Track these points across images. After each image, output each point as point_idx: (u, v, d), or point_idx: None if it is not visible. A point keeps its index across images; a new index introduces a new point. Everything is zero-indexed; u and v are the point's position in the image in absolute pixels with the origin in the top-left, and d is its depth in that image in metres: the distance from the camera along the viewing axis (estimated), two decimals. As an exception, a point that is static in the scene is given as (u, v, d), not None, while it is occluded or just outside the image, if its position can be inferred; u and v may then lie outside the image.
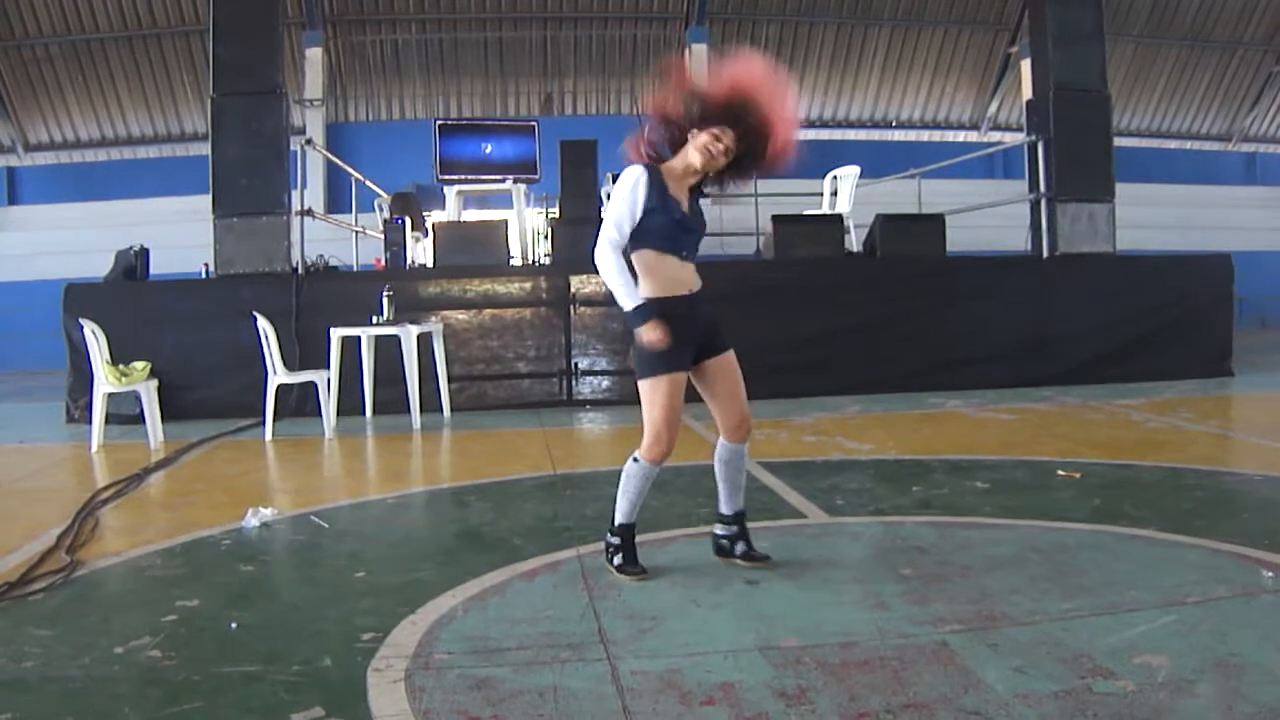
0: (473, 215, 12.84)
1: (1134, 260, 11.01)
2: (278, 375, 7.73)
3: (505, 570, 3.92)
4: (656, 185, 3.61)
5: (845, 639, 3.06)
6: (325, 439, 7.72)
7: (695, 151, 3.60)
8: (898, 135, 22.36)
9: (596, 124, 17.59)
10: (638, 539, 3.85)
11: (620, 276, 3.60)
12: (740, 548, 3.87)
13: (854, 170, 11.62)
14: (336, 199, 18.05)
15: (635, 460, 3.73)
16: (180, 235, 14.70)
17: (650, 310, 3.56)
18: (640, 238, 3.63)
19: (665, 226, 3.62)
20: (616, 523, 3.83)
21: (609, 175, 12.55)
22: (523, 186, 11.90)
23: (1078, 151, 10.51)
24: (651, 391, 3.63)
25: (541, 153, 11.66)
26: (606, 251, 3.62)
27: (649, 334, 3.54)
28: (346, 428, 8.14)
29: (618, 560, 3.79)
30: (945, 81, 22.16)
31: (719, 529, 3.93)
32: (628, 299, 3.60)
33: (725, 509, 3.89)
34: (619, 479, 3.82)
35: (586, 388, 9.41)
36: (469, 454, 7.28)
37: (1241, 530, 4.16)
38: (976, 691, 2.64)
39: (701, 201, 3.82)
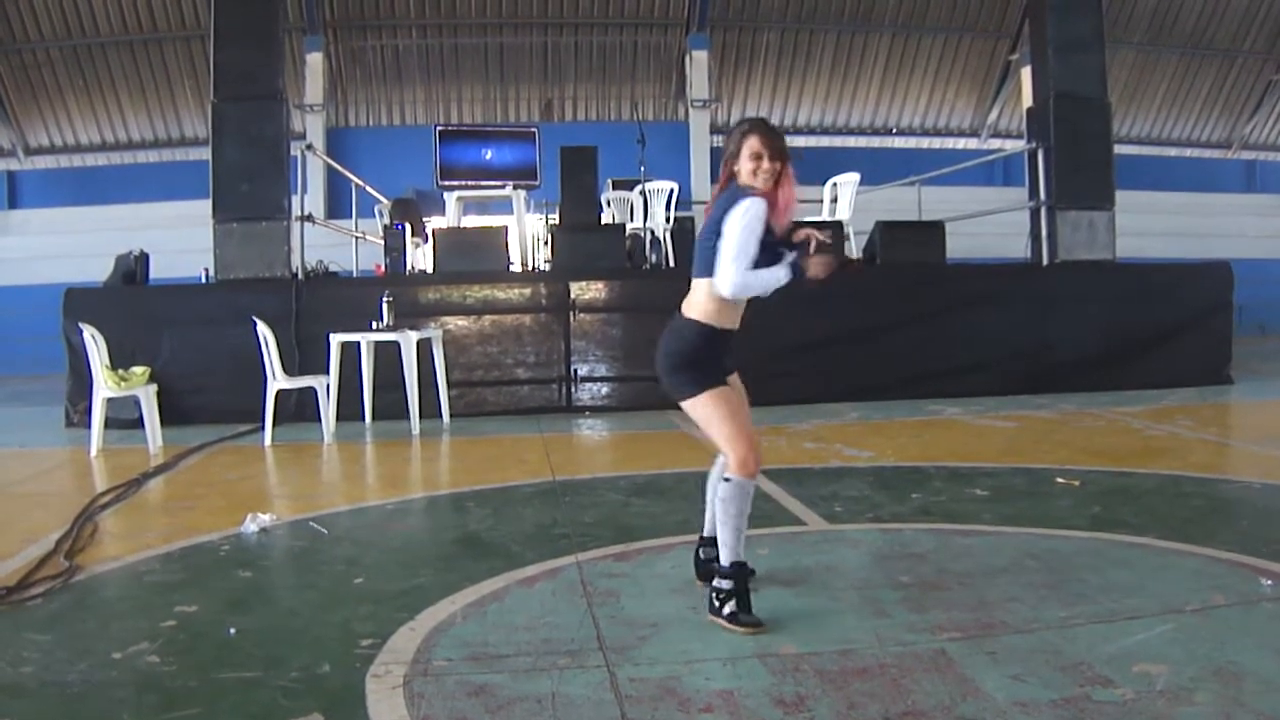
0: (473, 221, 12.86)
1: (1134, 268, 11.02)
2: (277, 380, 7.73)
3: (504, 577, 3.92)
4: (766, 220, 3.39)
5: (844, 646, 3.06)
6: (324, 444, 7.72)
7: (749, 175, 3.41)
8: (898, 142, 22.35)
9: (597, 130, 17.61)
10: (637, 546, 3.82)
11: (762, 277, 3.35)
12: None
13: (854, 177, 11.62)
14: (336, 204, 18.03)
15: (727, 480, 3.37)
16: (180, 240, 14.68)
17: (800, 263, 3.36)
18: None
19: (765, 262, 3.38)
20: (726, 562, 3.35)
21: (608, 181, 12.58)
22: (523, 192, 11.91)
23: (1078, 159, 10.52)
24: (707, 408, 3.39)
25: (542, 159, 11.67)
26: (740, 280, 3.32)
27: (817, 266, 3.35)
28: (346, 433, 8.14)
29: (728, 609, 3.28)
30: (945, 89, 22.16)
31: (704, 552, 3.71)
32: (782, 271, 3.36)
33: (709, 530, 3.66)
34: (721, 502, 3.40)
35: (586, 394, 9.40)
36: (468, 460, 7.28)
37: (1240, 538, 4.16)
38: (975, 699, 2.64)
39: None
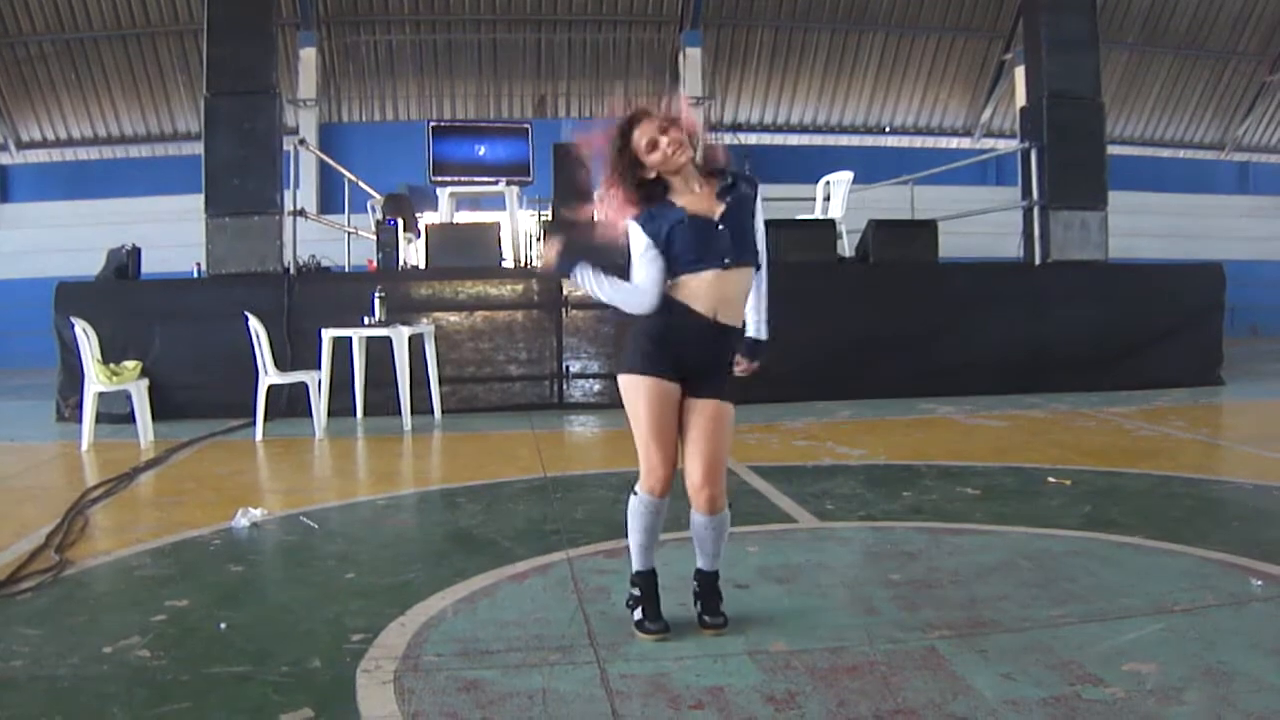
0: (465, 217, 12.83)
1: (1126, 268, 11.04)
2: (269, 375, 7.71)
3: (495, 572, 3.91)
4: (653, 210, 3.18)
5: (834, 644, 3.06)
6: (316, 440, 7.71)
7: (653, 160, 3.15)
8: (891, 141, 22.34)
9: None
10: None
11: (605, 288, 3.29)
12: (698, 607, 3.28)
13: (847, 176, 11.63)
14: (329, 199, 17.98)
15: (633, 493, 3.20)
16: (172, 234, 14.62)
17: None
18: (671, 264, 3.15)
19: (679, 239, 3.13)
20: (632, 569, 3.28)
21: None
22: (515, 189, 11.88)
23: (1071, 159, 10.53)
24: (628, 394, 3.15)
25: (535, 155, 11.65)
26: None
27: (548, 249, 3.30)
28: (337, 429, 8.12)
29: (636, 615, 3.21)
30: (939, 88, 22.16)
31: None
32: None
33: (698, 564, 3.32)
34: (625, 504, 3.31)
35: (577, 391, 9.40)
36: (459, 456, 7.27)
37: (1230, 538, 4.18)
38: (965, 698, 2.64)
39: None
